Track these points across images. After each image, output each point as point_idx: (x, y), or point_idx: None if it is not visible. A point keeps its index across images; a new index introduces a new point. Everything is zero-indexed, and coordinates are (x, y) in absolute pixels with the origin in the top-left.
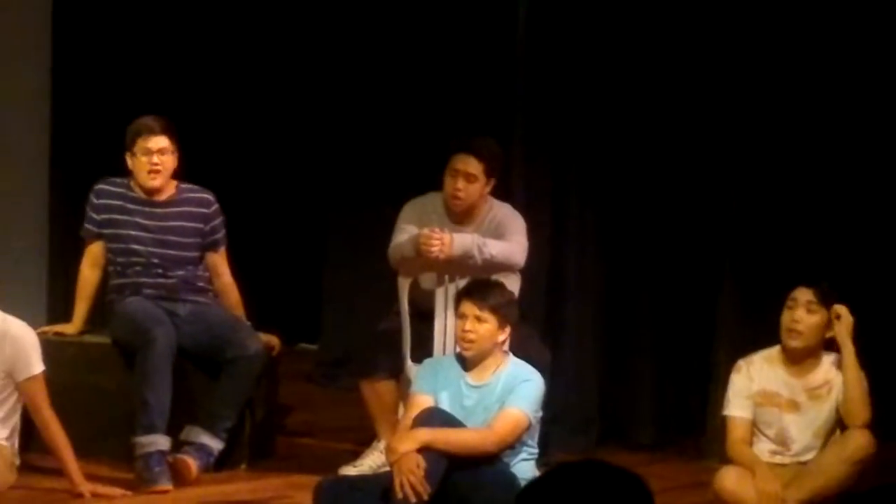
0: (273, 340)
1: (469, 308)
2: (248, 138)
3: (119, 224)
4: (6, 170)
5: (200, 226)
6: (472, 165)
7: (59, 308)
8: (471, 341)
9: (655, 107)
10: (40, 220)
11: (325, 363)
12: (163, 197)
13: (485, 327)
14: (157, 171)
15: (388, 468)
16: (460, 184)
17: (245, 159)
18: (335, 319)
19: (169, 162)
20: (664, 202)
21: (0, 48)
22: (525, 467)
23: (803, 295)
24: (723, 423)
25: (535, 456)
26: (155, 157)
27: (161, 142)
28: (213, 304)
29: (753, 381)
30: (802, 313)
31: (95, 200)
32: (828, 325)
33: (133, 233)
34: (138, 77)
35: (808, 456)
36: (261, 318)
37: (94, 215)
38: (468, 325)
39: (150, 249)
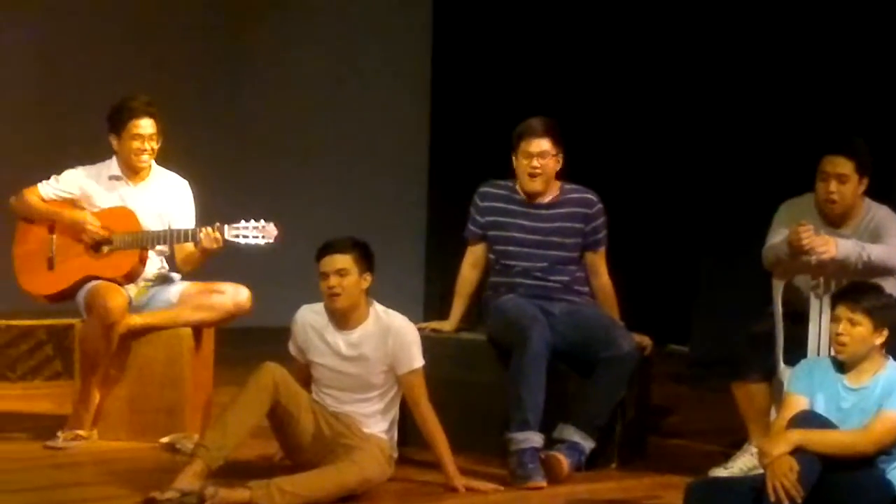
0: (645, 340)
1: (843, 311)
2: (628, 138)
3: (502, 226)
4: (386, 170)
5: (581, 226)
6: (842, 165)
7: (435, 306)
8: (843, 344)
9: None
10: (419, 219)
11: (697, 364)
12: (546, 199)
13: (858, 330)
14: (537, 174)
15: (759, 470)
16: (833, 186)
17: (624, 159)
18: (706, 320)
19: (550, 165)
20: None
21: (382, 53)
22: None
23: None
24: None
25: None
26: (535, 160)
27: (542, 145)
28: (588, 304)
29: None
30: None
31: (480, 203)
32: None
33: (516, 235)
34: (516, 79)
35: None
36: (633, 318)
37: (478, 217)
38: (841, 328)
39: (532, 251)
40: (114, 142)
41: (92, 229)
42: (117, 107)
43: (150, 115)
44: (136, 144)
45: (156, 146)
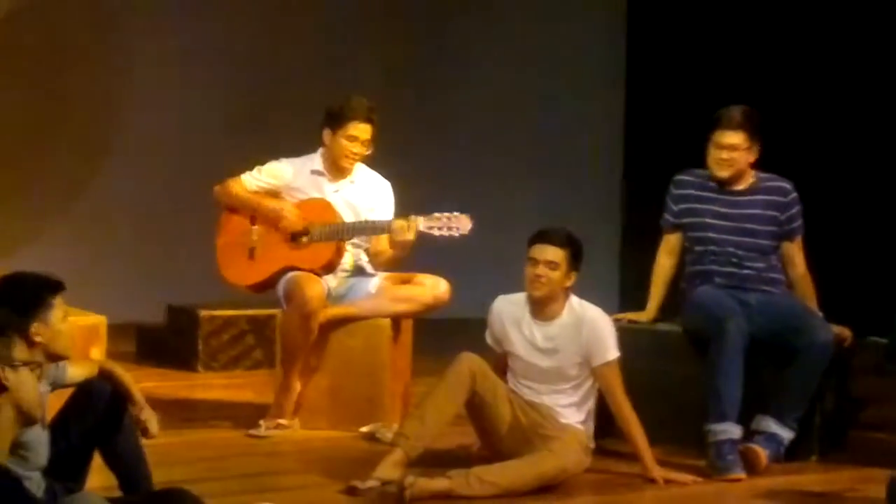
0: (845, 332)
1: None
2: (833, 126)
3: (696, 213)
4: (581, 160)
5: (776, 214)
6: None
7: (631, 296)
8: None
9: None
10: (615, 209)
11: None
12: (741, 186)
13: None
14: (724, 165)
15: None
16: None
17: (825, 150)
18: None
19: (739, 158)
20: None
21: (577, 45)
22: None
23: None
24: None
25: None
26: (724, 152)
27: (733, 138)
28: (784, 294)
29: None
30: None
31: (675, 191)
32: None
33: (710, 220)
34: (713, 67)
35: None
36: (833, 309)
37: (673, 205)
38: None
39: (727, 237)
40: (326, 136)
41: (289, 220)
42: (342, 104)
43: (370, 122)
44: (347, 145)
45: (366, 152)
